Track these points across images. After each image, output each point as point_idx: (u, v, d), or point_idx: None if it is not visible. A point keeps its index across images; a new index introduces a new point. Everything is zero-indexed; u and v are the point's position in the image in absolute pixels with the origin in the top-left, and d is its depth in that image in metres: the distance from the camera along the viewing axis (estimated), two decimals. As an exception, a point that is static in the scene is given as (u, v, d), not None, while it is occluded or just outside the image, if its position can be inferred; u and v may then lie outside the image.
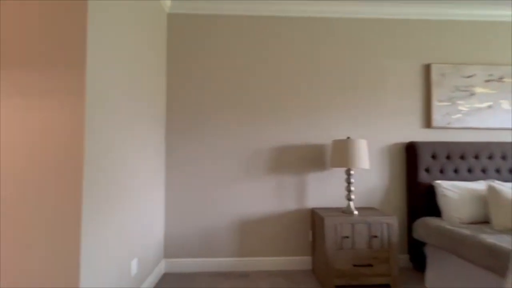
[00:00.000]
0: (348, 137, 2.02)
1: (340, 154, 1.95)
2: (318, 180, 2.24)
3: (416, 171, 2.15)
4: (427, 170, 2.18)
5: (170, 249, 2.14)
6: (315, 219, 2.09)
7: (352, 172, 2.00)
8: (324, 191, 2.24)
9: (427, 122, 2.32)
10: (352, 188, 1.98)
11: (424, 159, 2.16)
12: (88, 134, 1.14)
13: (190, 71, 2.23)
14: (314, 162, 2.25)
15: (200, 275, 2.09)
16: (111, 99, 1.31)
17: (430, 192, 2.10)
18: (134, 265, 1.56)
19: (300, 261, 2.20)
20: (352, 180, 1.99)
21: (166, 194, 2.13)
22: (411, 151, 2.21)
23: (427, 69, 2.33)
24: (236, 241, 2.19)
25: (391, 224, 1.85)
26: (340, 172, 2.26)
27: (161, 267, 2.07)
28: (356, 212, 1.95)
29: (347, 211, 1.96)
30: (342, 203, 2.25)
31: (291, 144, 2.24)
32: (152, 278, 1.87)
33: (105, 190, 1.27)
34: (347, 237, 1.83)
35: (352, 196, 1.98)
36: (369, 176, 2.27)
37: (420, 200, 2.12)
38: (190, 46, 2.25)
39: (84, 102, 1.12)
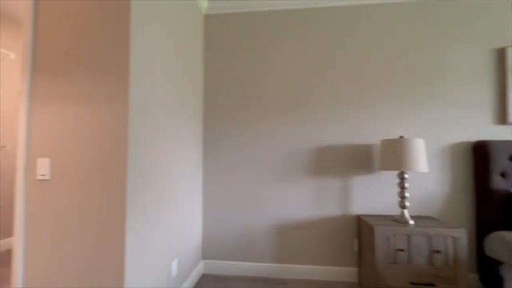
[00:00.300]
0: (401, 136, 1.77)
1: (391, 156, 1.72)
2: (364, 184, 2.03)
3: (488, 175, 1.81)
4: (502, 175, 1.81)
5: (208, 251, 2.13)
6: (361, 227, 1.88)
7: (406, 175, 1.75)
8: (371, 196, 2.02)
9: (502, 117, 1.94)
10: (407, 194, 1.74)
11: (499, 162, 1.80)
12: (131, 138, 1.15)
13: (226, 72, 2.20)
14: (359, 164, 2.04)
15: (237, 279, 2.04)
16: (151, 102, 1.32)
17: (506, 201, 1.75)
18: (174, 265, 1.57)
19: (344, 273, 2.01)
20: (406, 185, 1.74)
21: (204, 195, 2.13)
22: (480, 151, 1.87)
23: (501, 53, 1.95)
24: (274, 246, 2.09)
25: (458, 238, 1.57)
26: (390, 175, 2.01)
27: (200, 268, 2.07)
28: (411, 222, 1.70)
29: (400, 220, 1.73)
30: (392, 210, 2.00)
31: (333, 145, 2.07)
32: (191, 279, 1.87)
33: (147, 191, 1.27)
34: (402, 250, 1.60)
35: (407, 203, 1.74)
36: (426, 180, 1.98)
37: (493, 210, 1.77)
38: (225, 46, 2.22)
39: (127, 107, 1.13)
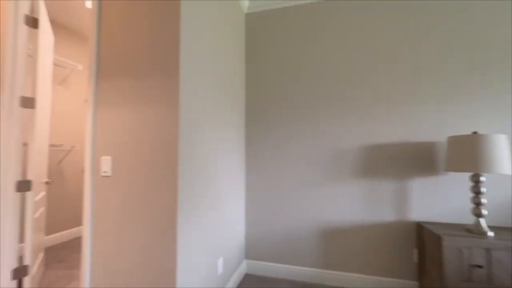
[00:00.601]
0: (475, 132, 1.51)
1: (462, 155, 1.47)
2: (425, 187, 1.79)
3: None
4: None
5: (251, 251, 2.12)
6: (423, 236, 1.66)
7: (482, 178, 1.48)
8: (434, 201, 1.77)
9: None
10: (483, 200, 1.47)
11: None
12: (181, 138, 1.17)
13: (267, 70, 2.16)
14: (419, 164, 1.80)
15: (280, 281, 1.98)
16: (199, 103, 1.34)
17: None
18: (220, 264, 1.58)
19: (400, 286, 1.79)
20: (483, 190, 1.48)
21: (246, 194, 2.12)
22: None
23: None
24: (319, 251, 1.97)
25: (559, 257, 1.26)
26: (459, 178, 1.73)
27: (243, 268, 2.07)
28: (491, 233, 1.43)
29: (475, 231, 1.47)
30: (461, 218, 1.72)
31: (386, 143, 1.87)
32: (235, 278, 1.87)
33: (197, 190, 1.30)
34: (480, 266, 1.35)
35: (484, 211, 1.47)
36: (507, 184, 1.66)
37: None
38: (266, 44, 2.18)
39: (177, 108, 1.16)
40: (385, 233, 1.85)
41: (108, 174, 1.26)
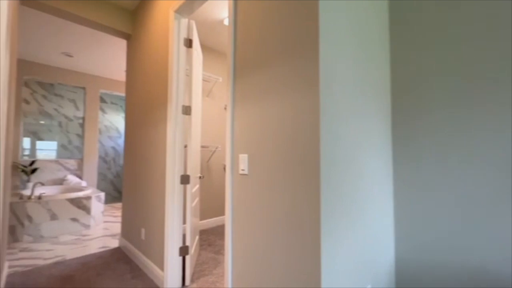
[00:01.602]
0: None
1: None
2: None
3: None
4: None
5: (404, 279, 1.59)
6: None
7: None
8: None
9: None
10: None
11: None
12: (323, 132, 0.95)
13: (422, 57, 1.56)
14: None
15: None
16: (341, 93, 1.07)
17: None
18: (368, 294, 1.22)
19: None
20: None
21: (395, 206, 1.62)
22: None
23: None
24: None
25: None
26: None
27: (394, 302, 1.58)
28: None
29: None
30: None
31: None
32: (386, 315, 1.44)
33: (339, 198, 1.03)
34: None
35: None
36: None
37: None
38: (418, 28, 1.59)
39: (317, 100, 0.95)
40: None
41: (245, 172, 1.24)
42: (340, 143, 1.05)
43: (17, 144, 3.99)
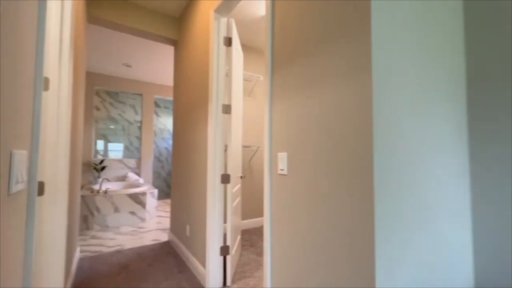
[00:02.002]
0: None
1: None
2: None
3: None
4: None
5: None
6: None
7: None
8: None
9: None
10: None
11: None
12: (377, 126, 0.79)
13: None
14: None
15: None
16: (400, 79, 0.88)
17: None
18: (438, 325, 0.99)
19: None
20: None
21: (474, 220, 1.29)
22: None
23: None
24: None
25: None
26: None
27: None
28: None
29: None
30: None
31: None
32: None
33: (398, 203, 0.85)
34: None
35: None
36: None
37: None
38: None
39: (369, 88, 0.79)
40: None
41: (285, 172, 1.13)
42: (400, 140, 0.86)
43: (90, 145, 4.64)
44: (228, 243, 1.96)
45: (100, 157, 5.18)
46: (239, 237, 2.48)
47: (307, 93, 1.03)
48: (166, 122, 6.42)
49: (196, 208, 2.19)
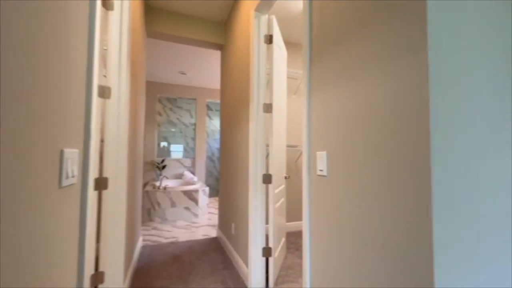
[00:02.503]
0: None
1: None
2: None
3: None
4: None
5: None
6: None
7: None
8: None
9: None
10: None
11: None
12: (434, 121, 0.63)
13: None
14: None
15: None
16: (466, 63, 0.70)
17: None
18: None
19: None
20: None
21: None
22: None
23: None
24: None
25: None
26: None
27: None
28: None
29: None
30: None
31: None
32: None
33: (462, 210, 0.67)
34: None
35: None
36: None
37: None
38: None
39: (425, 72, 0.65)
40: None
41: (324, 173, 1.03)
42: (468, 135, 0.68)
43: (153, 147, 5.24)
44: (271, 244, 1.92)
45: (161, 157, 5.81)
46: (283, 239, 2.42)
47: (348, 84, 0.92)
48: (217, 124, 6.80)
49: (240, 207, 2.22)
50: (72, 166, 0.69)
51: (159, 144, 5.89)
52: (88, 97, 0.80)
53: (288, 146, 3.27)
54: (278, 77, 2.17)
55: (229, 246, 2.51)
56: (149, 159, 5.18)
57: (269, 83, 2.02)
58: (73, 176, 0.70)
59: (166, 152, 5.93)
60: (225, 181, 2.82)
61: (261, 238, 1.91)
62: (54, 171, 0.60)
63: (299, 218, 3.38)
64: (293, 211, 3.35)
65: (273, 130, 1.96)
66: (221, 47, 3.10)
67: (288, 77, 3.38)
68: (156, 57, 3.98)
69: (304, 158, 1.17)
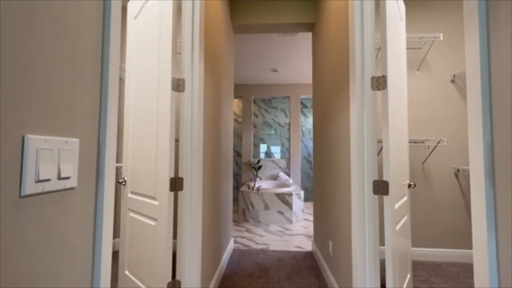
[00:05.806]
0: None
1: None
2: None
3: None
4: None
5: None
6: None
7: None
8: None
9: None
10: None
11: None
12: None
13: None
14: None
15: None
16: None
17: None
18: None
19: None
20: None
21: None
22: None
23: None
24: None
25: None
26: None
27: None
28: None
29: None
30: None
31: None
32: None
33: None
34: None
35: None
36: None
37: None
38: None
39: None
40: None
41: None
42: None
43: (249, 148, 5.35)
44: (389, 279, 1.28)
45: (260, 159, 5.88)
46: (408, 275, 1.66)
47: None
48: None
49: (338, 221, 1.68)
50: (60, 164, 0.46)
51: (255, 145, 6.00)
52: (104, 85, 0.57)
53: (411, 141, 2.36)
54: (394, 40, 1.48)
55: (326, 269, 1.99)
56: (246, 159, 5.32)
57: (381, 49, 1.38)
58: (64, 178, 0.47)
59: (262, 153, 5.95)
60: (319, 187, 2.32)
61: (374, 268, 1.31)
62: (8, 172, 0.37)
63: (434, 244, 2.38)
64: (420, 234, 2.39)
65: (388, 116, 1.31)
66: (312, 26, 2.63)
67: (407, 48, 2.48)
68: (247, 56, 3.96)
69: (474, 155, 0.55)
